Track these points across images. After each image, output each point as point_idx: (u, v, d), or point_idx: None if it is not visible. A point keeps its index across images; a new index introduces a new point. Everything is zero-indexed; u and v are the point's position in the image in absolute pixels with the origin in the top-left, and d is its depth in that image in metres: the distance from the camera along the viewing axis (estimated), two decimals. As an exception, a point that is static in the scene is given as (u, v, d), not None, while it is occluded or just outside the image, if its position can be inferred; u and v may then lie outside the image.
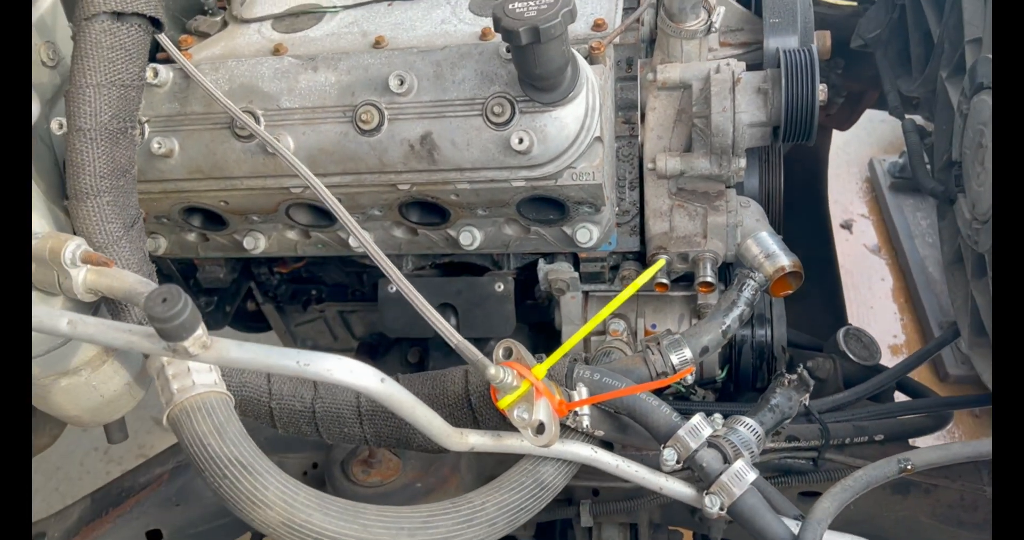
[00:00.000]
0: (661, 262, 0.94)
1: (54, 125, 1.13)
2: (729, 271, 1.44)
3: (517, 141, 1.14)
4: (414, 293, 0.86)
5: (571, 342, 0.93)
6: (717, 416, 0.99)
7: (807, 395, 1.06)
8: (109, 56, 0.98)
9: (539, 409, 0.87)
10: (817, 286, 2.07)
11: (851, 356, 1.54)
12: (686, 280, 1.38)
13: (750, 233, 1.30)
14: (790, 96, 1.15)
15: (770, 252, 1.27)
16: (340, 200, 1.30)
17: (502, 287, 1.46)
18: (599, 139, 1.20)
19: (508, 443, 0.92)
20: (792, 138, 1.20)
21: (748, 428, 0.98)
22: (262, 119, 1.22)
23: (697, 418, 0.94)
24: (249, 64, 1.26)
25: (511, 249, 1.38)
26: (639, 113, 1.33)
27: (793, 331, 1.69)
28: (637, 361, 1.04)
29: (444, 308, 1.49)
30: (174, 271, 1.61)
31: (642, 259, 1.39)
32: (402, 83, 1.18)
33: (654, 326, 1.45)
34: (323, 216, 1.35)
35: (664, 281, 1.31)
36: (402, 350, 1.69)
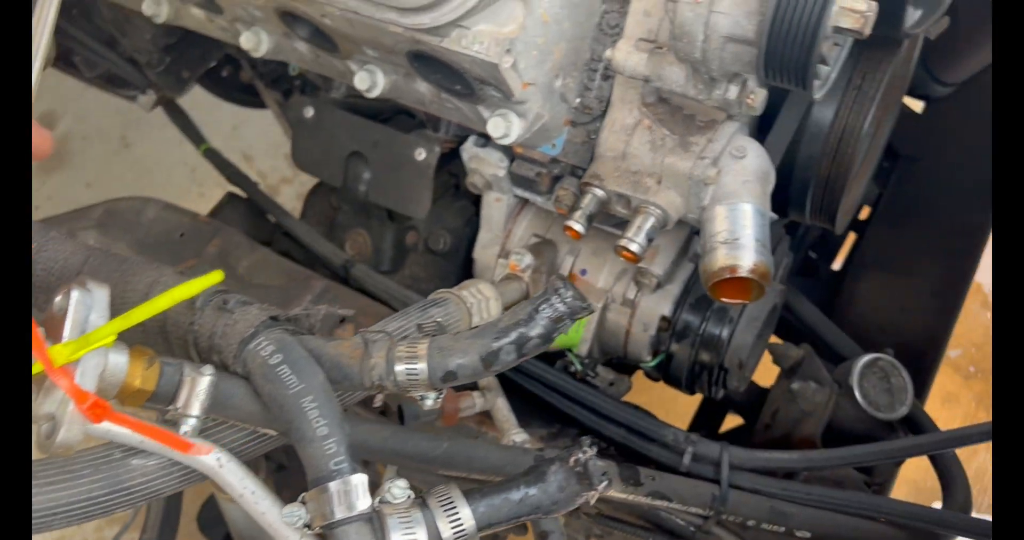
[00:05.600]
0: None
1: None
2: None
3: (365, -39, 0.73)
4: None
5: (144, 311, 0.59)
6: (397, 486, 0.63)
7: (592, 493, 0.66)
8: None
9: (50, 398, 0.57)
10: (942, 266, 1.51)
11: (860, 398, 1.08)
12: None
13: (727, 198, 0.84)
14: (780, 6, 0.64)
15: (735, 239, 0.81)
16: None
17: (423, 155, 1.09)
18: (512, -7, 0.77)
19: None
20: (775, 75, 0.70)
21: (448, 519, 0.62)
22: None
23: (358, 479, 0.60)
24: None
25: (429, 110, 1.00)
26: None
27: (829, 323, 1.23)
28: (356, 352, 0.68)
29: (356, 158, 1.15)
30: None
31: (587, 181, 0.97)
32: None
33: (584, 273, 1.05)
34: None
35: (577, 225, 0.89)
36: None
